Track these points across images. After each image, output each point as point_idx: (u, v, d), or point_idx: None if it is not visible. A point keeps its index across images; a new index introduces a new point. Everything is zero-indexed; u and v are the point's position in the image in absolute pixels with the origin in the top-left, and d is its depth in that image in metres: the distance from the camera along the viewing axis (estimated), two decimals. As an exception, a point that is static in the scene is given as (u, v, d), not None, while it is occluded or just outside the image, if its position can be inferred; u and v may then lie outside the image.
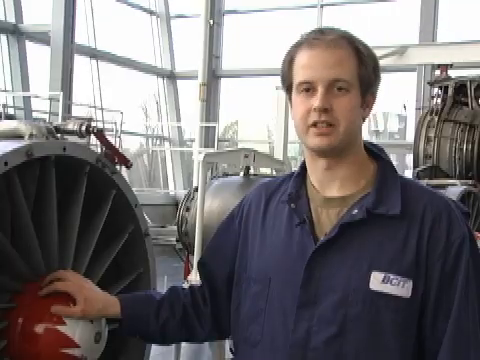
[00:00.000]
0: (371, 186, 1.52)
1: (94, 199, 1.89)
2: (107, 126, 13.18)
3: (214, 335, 1.78)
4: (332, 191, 1.54)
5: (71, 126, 1.91)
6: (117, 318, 1.70)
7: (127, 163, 1.96)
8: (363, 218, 1.47)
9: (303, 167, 1.62)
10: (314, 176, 1.57)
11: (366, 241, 1.47)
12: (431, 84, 8.64)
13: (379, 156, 1.58)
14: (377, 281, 1.44)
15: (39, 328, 1.65)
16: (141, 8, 17.95)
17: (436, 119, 7.99)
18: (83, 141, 1.97)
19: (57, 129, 1.93)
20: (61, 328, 1.65)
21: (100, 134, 1.90)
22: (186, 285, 1.80)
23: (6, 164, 1.57)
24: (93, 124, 1.98)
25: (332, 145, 1.48)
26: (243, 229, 1.66)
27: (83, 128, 1.87)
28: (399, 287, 1.44)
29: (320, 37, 1.47)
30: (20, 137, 1.78)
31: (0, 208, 1.69)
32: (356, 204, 1.50)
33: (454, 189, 5.83)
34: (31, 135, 1.76)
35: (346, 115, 1.47)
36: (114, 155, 1.90)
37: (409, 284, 1.44)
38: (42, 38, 14.09)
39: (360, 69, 1.47)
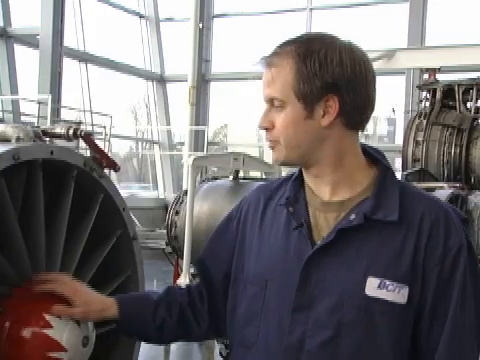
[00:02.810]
0: (370, 191, 1.51)
1: (82, 203, 1.88)
2: (97, 130, 13.15)
3: (211, 334, 1.78)
4: (328, 195, 1.54)
5: (59, 129, 1.91)
6: (114, 319, 1.69)
7: (115, 167, 1.96)
8: (360, 224, 1.47)
9: (301, 170, 1.62)
10: (308, 181, 1.58)
11: (363, 246, 1.47)
12: (420, 88, 8.69)
13: (379, 161, 1.57)
14: (373, 287, 1.44)
15: (26, 332, 1.64)
16: (130, 11, 17.93)
17: (424, 122, 8.03)
18: (72, 145, 1.97)
19: (45, 132, 1.93)
20: (48, 332, 1.64)
21: (88, 137, 1.90)
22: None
23: (-7, 168, 1.57)
24: (81, 128, 1.98)
25: (279, 160, 1.54)
26: (241, 231, 1.66)
27: (70, 131, 1.87)
28: (395, 293, 1.43)
29: (267, 57, 1.52)
30: (7, 141, 1.77)
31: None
32: (354, 209, 1.49)
33: (442, 192, 5.85)
34: (18, 138, 1.76)
35: (283, 131, 1.50)
36: (102, 159, 1.90)
37: (405, 290, 1.44)
38: (31, 41, 14.05)
39: (296, 85, 1.47)
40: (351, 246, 1.47)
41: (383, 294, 1.43)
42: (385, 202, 1.49)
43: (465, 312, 1.45)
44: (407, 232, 1.47)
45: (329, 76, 1.46)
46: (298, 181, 1.60)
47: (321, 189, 1.55)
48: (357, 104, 1.50)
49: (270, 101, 1.51)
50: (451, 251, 1.46)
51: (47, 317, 1.65)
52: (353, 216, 1.48)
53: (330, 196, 1.54)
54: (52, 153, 1.74)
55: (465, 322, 1.45)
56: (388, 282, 1.43)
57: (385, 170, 1.55)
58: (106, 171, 1.98)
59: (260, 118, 1.53)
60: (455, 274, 1.45)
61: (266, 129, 1.53)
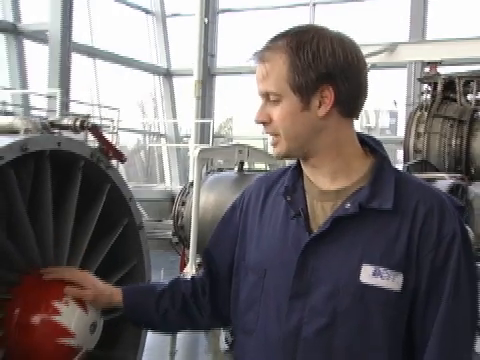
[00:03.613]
0: (366, 180, 1.50)
1: (89, 193, 1.88)
2: (105, 123, 13.16)
3: (215, 323, 1.79)
4: (325, 184, 1.53)
5: (66, 121, 1.91)
6: (120, 307, 1.72)
7: (121, 158, 1.95)
8: (355, 212, 1.46)
9: (299, 160, 1.60)
10: (306, 172, 1.57)
11: (358, 234, 1.46)
12: (421, 81, 8.65)
13: (376, 150, 1.56)
14: (367, 274, 1.43)
15: (35, 319, 1.65)
16: (137, 7, 17.90)
17: (426, 115, 7.99)
18: (80, 137, 1.97)
19: (53, 124, 1.93)
20: (57, 319, 1.65)
21: (94, 129, 1.90)
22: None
23: (1, 158, 1.57)
24: (88, 119, 1.97)
25: (281, 153, 1.52)
26: (243, 220, 1.66)
27: (77, 123, 1.87)
28: (389, 280, 1.42)
29: (259, 51, 1.51)
30: (16, 132, 1.77)
31: (-4, 202, 1.69)
32: (350, 198, 1.48)
33: (443, 182, 5.84)
34: (26, 130, 1.76)
35: (281, 124, 1.49)
36: (108, 150, 1.90)
37: (399, 277, 1.43)
38: (40, 37, 14.04)
39: (291, 78, 1.46)
40: (346, 234, 1.46)
41: (378, 281, 1.42)
42: (381, 191, 1.48)
43: (458, 302, 1.44)
44: (402, 220, 1.45)
45: (323, 66, 1.45)
46: (296, 171, 1.59)
47: (319, 179, 1.54)
48: (352, 92, 1.49)
49: (266, 95, 1.50)
50: (445, 239, 1.44)
51: (56, 304, 1.66)
52: (348, 205, 1.47)
53: (328, 185, 1.53)
54: (59, 144, 1.74)
55: (459, 308, 1.44)
56: (383, 269, 1.42)
57: (382, 159, 1.54)
58: (113, 162, 1.97)
59: (256, 113, 1.52)
60: (449, 262, 1.44)
61: (263, 123, 1.52)
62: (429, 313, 1.44)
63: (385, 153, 1.56)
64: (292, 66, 1.46)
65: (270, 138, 1.54)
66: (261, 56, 1.50)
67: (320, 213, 1.51)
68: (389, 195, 1.47)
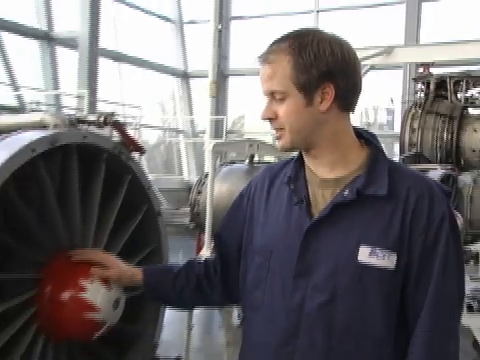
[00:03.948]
0: (362, 169, 1.51)
1: (112, 183, 1.88)
2: (128, 120, 13.20)
3: (226, 300, 1.80)
4: (325, 174, 1.53)
5: (91, 118, 1.90)
6: (140, 286, 1.74)
7: (141, 150, 1.95)
8: (353, 199, 1.46)
9: (301, 152, 1.61)
10: (308, 162, 1.57)
11: (355, 219, 1.46)
12: (415, 80, 8.57)
13: (371, 142, 1.56)
14: (364, 254, 1.43)
15: (65, 295, 1.66)
16: (158, 15, 17.91)
17: (420, 111, 7.93)
18: (105, 132, 1.96)
19: (79, 120, 1.92)
20: (84, 295, 1.66)
21: (117, 124, 1.89)
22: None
23: (33, 151, 1.58)
24: (112, 116, 1.96)
25: (285, 146, 1.51)
26: (250, 207, 1.66)
27: (101, 119, 1.87)
28: (384, 260, 1.43)
29: (263, 54, 1.50)
30: (46, 127, 1.78)
31: (28, 191, 1.69)
32: (348, 186, 1.49)
33: (435, 173, 5.79)
34: (55, 125, 1.76)
35: (286, 119, 1.48)
36: (129, 143, 1.90)
37: (393, 257, 1.43)
38: (71, 43, 14.11)
39: (295, 77, 1.45)
40: (345, 219, 1.47)
41: (374, 261, 1.43)
42: (376, 179, 1.48)
43: (446, 281, 1.44)
44: (395, 205, 1.46)
45: (324, 65, 1.45)
46: (298, 162, 1.59)
47: (319, 168, 1.54)
48: (349, 88, 1.49)
49: (271, 94, 1.49)
50: (434, 222, 1.45)
51: (83, 283, 1.67)
52: (347, 192, 1.47)
53: (327, 174, 1.53)
54: (85, 138, 1.74)
55: (446, 284, 1.44)
56: (378, 250, 1.43)
57: (376, 150, 1.55)
58: (134, 154, 1.97)
59: (262, 110, 1.51)
60: (438, 244, 1.44)
61: (270, 120, 1.52)
62: (420, 291, 1.45)
63: (379, 145, 1.56)
64: (296, 66, 1.45)
65: (275, 132, 1.53)
66: (266, 58, 1.49)
67: (321, 200, 1.52)
68: (384, 182, 1.47)
